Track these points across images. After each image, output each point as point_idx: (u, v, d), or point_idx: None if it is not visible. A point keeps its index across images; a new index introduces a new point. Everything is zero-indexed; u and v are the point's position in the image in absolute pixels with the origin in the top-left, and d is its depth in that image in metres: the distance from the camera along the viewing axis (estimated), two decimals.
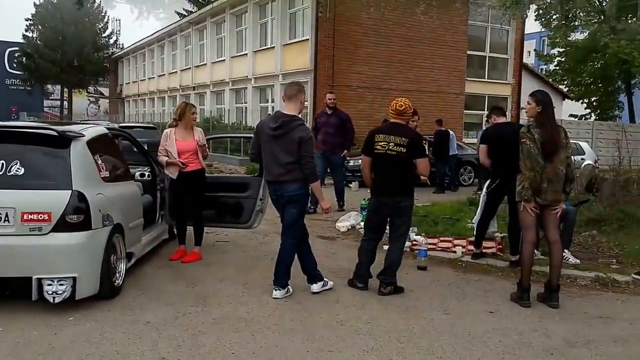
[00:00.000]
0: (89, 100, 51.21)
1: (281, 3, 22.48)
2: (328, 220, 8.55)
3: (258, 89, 25.03)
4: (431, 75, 21.87)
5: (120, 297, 4.96)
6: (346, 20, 19.87)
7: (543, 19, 28.33)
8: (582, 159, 13.93)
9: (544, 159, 4.91)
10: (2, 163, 4.51)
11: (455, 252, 6.89)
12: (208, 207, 6.41)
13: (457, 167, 14.88)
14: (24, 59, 44.10)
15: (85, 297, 4.57)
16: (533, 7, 20.62)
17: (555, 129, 5.00)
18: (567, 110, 30.26)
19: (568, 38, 27.35)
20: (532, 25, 31.92)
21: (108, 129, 5.91)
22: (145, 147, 6.90)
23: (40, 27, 44.32)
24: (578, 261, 6.36)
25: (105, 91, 49.37)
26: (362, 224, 7.18)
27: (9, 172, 4.49)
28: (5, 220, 4.38)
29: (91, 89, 49.17)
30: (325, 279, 5.32)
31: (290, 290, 5.14)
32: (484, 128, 9.91)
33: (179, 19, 36.40)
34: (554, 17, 27.21)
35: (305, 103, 6.72)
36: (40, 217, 4.40)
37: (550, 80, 30.67)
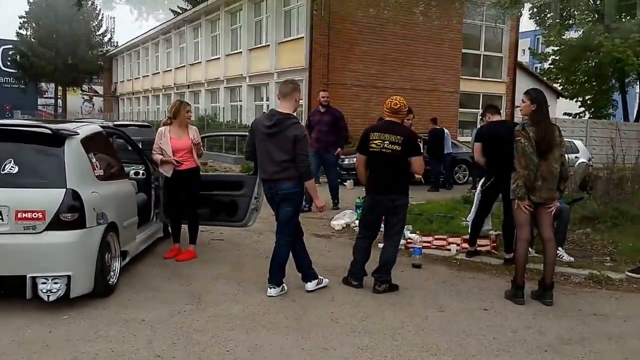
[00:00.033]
0: (83, 98, 50.92)
1: (276, 1, 22.41)
2: (323, 218, 8.57)
3: (253, 87, 24.98)
4: (426, 73, 21.86)
5: (114, 295, 4.96)
6: (341, 19, 19.78)
7: (537, 18, 28.37)
8: (576, 157, 13.92)
9: (539, 157, 4.92)
10: None
11: (449, 250, 6.91)
12: (203, 205, 6.41)
13: (452, 165, 14.91)
14: (18, 57, 43.77)
15: (80, 295, 4.57)
16: (527, 5, 20.63)
17: (550, 127, 5.01)
18: (561, 108, 30.30)
19: (562, 36, 27.43)
20: (526, 23, 32.07)
21: (102, 127, 5.89)
22: (140, 146, 6.88)
23: (34, 24, 44.02)
24: (572, 259, 6.39)
25: (100, 89, 49.12)
26: (357, 222, 7.19)
27: (3, 171, 4.48)
28: None
29: (85, 87, 48.91)
30: (320, 277, 5.33)
31: (285, 288, 5.15)
32: (478, 126, 9.91)
33: (173, 16, 36.28)
34: (549, 15, 27.24)
35: (300, 101, 6.72)
36: (35, 215, 4.39)
37: (545, 78, 30.74)
